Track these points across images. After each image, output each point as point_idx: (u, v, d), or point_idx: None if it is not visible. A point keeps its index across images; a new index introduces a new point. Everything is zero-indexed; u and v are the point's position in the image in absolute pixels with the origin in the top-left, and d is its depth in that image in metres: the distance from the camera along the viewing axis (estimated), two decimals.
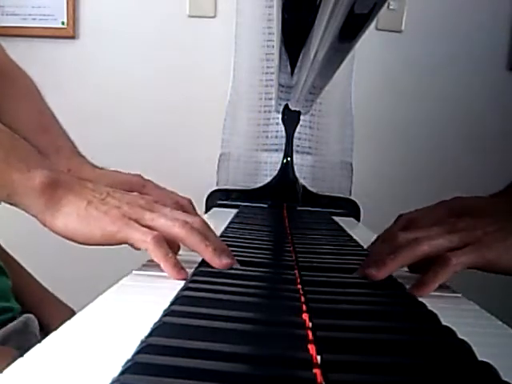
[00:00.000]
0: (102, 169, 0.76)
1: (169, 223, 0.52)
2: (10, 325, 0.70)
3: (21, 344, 0.70)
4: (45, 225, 0.52)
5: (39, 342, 0.32)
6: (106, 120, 1.70)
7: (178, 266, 0.50)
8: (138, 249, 0.62)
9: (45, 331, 0.79)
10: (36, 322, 0.78)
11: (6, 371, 0.27)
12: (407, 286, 0.50)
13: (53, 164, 0.56)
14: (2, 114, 0.73)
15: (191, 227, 0.53)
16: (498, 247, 0.52)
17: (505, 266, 0.52)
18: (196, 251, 0.53)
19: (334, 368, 0.28)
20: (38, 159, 0.54)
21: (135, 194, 0.58)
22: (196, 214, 0.74)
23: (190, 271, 0.51)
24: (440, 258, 0.51)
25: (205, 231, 0.54)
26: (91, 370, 0.28)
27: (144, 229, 0.51)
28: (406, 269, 0.59)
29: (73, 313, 0.84)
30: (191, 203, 0.74)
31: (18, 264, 0.86)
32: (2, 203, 0.54)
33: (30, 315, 0.77)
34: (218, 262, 0.52)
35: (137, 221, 0.52)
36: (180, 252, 0.59)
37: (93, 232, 0.51)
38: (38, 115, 0.78)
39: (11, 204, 0.53)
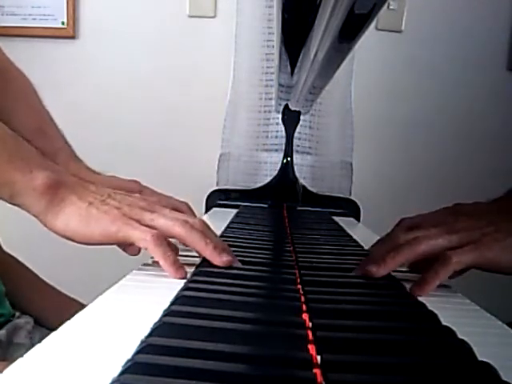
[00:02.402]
0: (99, 174, 0.76)
1: (169, 223, 0.53)
2: None
3: (6, 355, 0.69)
4: (46, 225, 0.53)
5: (39, 341, 0.32)
6: (106, 120, 1.70)
7: (177, 265, 0.51)
8: (137, 253, 0.62)
9: (48, 327, 0.79)
10: (30, 324, 0.77)
11: (5, 371, 0.27)
12: (407, 286, 0.50)
13: (55, 165, 0.56)
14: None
15: (191, 226, 0.53)
16: (496, 247, 0.52)
17: (503, 266, 0.53)
18: (196, 250, 0.53)
19: (334, 368, 0.28)
20: (40, 160, 0.55)
21: (136, 195, 0.58)
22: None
23: (190, 271, 0.51)
24: (441, 256, 0.52)
25: (205, 230, 0.55)
26: (91, 369, 0.28)
27: (144, 227, 0.51)
28: (406, 269, 0.59)
29: (78, 304, 0.84)
30: (189, 207, 0.74)
31: (18, 262, 0.86)
32: (3, 203, 0.54)
33: (20, 320, 0.76)
34: (219, 259, 0.52)
35: (137, 221, 0.52)
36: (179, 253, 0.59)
37: (93, 232, 0.51)
38: (36, 117, 0.78)
39: (13, 204, 0.53)
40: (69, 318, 0.36)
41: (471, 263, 0.52)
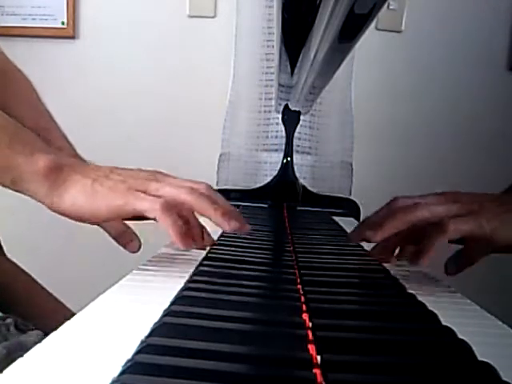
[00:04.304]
0: None
1: (175, 191, 0.52)
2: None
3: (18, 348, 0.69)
4: (51, 208, 0.52)
5: (36, 342, 0.32)
6: (106, 120, 1.70)
7: (185, 235, 0.50)
8: (136, 250, 0.62)
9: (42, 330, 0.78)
10: (13, 328, 0.77)
11: (6, 371, 0.27)
12: (408, 286, 0.50)
13: (55, 149, 0.56)
14: None
15: (199, 193, 0.53)
16: (496, 220, 0.51)
17: (500, 240, 0.51)
18: (205, 216, 0.53)
19: (334, 368, 0.28)
20: (41, 145, 0.54)
21: (138, 168, 0.58)
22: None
23: (190, 271, 0.51)
24: (438, 223, 0.50)
25: (213, 196, 0.54)
26: (91, 369, 0.28)
27: (151, 197, 0.51)
28: (406, 268, 0.59)
29: (68, 311, 0.84)
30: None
31: (12, 263, 0.86)
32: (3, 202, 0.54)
33: (10, 320, 0.76)
34: (228, 225, 0.52)
35: (143, 192, 0.52)
36: (179, 252, 0.59)
37: (100, 207, 0.51)
38: (37, 116, 0.78)
39: (16, 190, 0.53)
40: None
41: (468, 233, 0.51)
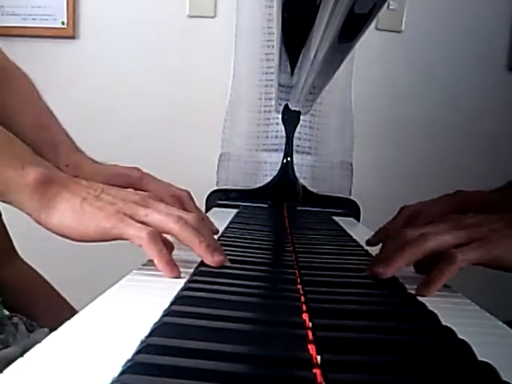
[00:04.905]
0: (100, 163, 0.77)
1: (163, 218, 0.52)
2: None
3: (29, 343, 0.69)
4: (39, 222, 0.52)
5: (38, 340, 0.32)
6: (106, 120, 1.70)
7: (171, 264, 0.50)
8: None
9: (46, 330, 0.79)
10: (23, 327, 0.77)
11: (6, 371, 0.27)
12: (408, 286, 0.50)
13: (48, 161, 0.56)
14: (0, 112, 0.73)
15: (185, 223, 0.52)
16: (504, 244, 0.51)
17: (510, 263, 0.52)
18: (189, 247, 0.53)
19: (334, 368, 0.28)
20: (31, 157, 0.54)
21: (130, 190, 0.58)
22: (194, 206, 0.74)
23: (190, 271, 0.51)
24: (446, 254, 0.51)
25: (199, 227, 0.54)
26: (91, 369, 0.28)
27: (139, 225, 0.51)
28: (409, 269, 0.59)
29: (73, 311, 0.85)
30: (190, 195, 0.74)
31: (22, 260, 0.87)
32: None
33: (15, 323, 0.76)
34: (211, 258, 0.52)
35: (131, 216, 0.52)
36: (179, 252, 0.59)
37: (87, 228, 0.51)
38: (37, 113, 0.78)
39: (5, 202, 0.52)
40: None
41: (477, 261, 0.51)
